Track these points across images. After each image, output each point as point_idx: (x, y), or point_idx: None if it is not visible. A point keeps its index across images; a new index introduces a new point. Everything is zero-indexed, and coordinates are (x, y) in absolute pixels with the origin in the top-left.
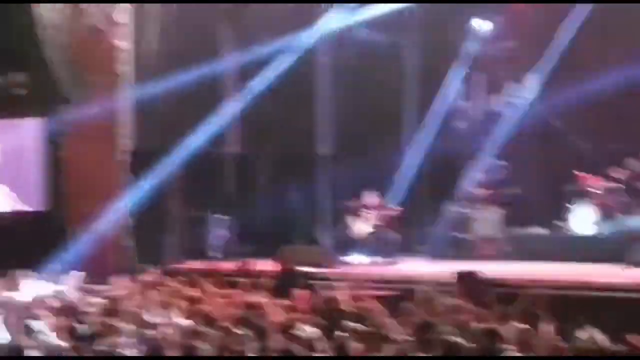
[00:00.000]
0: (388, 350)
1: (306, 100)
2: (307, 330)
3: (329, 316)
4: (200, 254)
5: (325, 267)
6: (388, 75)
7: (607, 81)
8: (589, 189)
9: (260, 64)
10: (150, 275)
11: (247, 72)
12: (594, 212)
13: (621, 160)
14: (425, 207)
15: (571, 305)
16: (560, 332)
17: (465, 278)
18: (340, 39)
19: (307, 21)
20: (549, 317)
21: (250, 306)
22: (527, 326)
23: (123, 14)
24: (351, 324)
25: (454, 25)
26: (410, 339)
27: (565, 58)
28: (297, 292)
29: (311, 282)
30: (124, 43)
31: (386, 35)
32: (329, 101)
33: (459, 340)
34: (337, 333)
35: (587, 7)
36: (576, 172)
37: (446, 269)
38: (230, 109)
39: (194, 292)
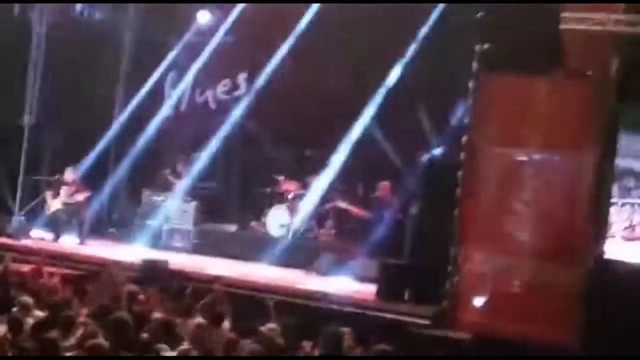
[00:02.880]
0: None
1: (17, 67)
2: None
3: (5, 289)
4: None
5: (14, 238)
6: (104, 54)
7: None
8: (284, 192)
9: None
10: None
11: None
12: (287, 215)
13: (316, 166)
14: (123, 191)
15: (252, 305)
16: (237, 330)
17: (151, 266)
18: (59, 10)
19: None
20: (230, 314)
21: None
22: (203, 321)
23: None
24: (26, 300)
25: (177, 13)
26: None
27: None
28: None
29: None
30: None
31: (105, 14)
32: (41, 72)
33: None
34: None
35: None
36: (275, 176)
37: (135, 254)
38: None
39: None
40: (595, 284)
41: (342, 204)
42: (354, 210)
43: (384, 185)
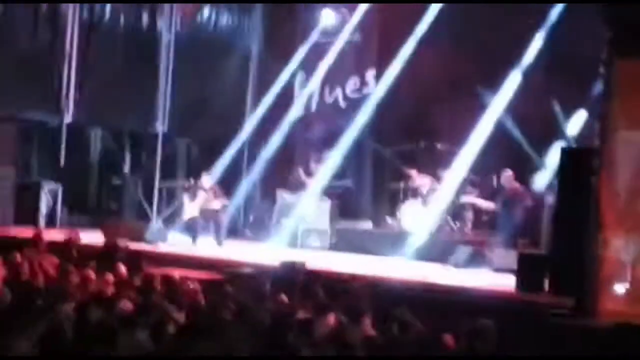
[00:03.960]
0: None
1: (148, 75)
2: (126, 306)
3: (146, 294)
4: (30, 221)
5: (151, 243)
6: (231, 59)
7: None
8: (418, 187)
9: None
10: None
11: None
12: (422, 210)
13: (449, 160)
14: (257, 192)
15: (391, 301)
16: (377, 326)
17: (289, 267)
18: (186, 18)
19: None
20: (370, 312)
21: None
22: (342, 319)
23: None
24: (165, 304)
25: (303, 14)
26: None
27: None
28: (118, 267)
29: (134, 258)
30: None
31: (232, 19)
32: (171, 80)
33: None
34: (154, 312)
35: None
36: (407, 170)
37: (272, 255)
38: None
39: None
40: None
41: (469, 198)
42: (481, 203)
43: (507, 174)
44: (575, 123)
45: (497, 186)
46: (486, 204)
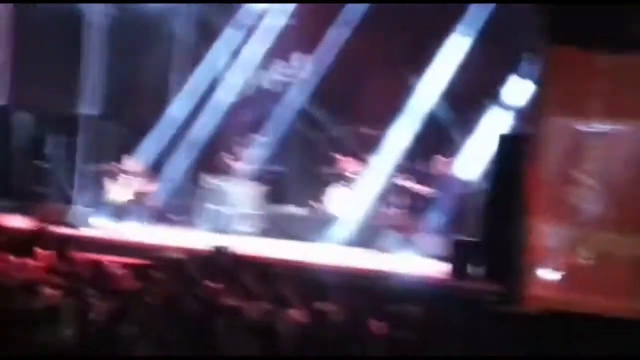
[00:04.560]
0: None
1: (74, 56)
2: (48, 291)
3: (71, 279)
4: None
5: (75, 228)
6: (160, 40)
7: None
8: (346, 172)
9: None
10: None
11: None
12: (351, 195)
13: (380, 145)
14: (185, 176)
15: (320, 287)
16: (308, 313)
17: (216, 252)
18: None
19: None
20: (298, 299)
21: None
22: (270, 306)
23: None
24: (91, 290)
25: None
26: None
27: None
28: (41, 252)
29: (59, 242)
30: None
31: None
32: (98, 61)
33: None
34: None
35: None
36: (335, 155)
37: (200, 241)
38: None
39: None
40: None
41: (402, 182)
42: (415, 187)
43: (440, 159)
44: (517, 92)
45: (429, 171)
46: (417, 189)
